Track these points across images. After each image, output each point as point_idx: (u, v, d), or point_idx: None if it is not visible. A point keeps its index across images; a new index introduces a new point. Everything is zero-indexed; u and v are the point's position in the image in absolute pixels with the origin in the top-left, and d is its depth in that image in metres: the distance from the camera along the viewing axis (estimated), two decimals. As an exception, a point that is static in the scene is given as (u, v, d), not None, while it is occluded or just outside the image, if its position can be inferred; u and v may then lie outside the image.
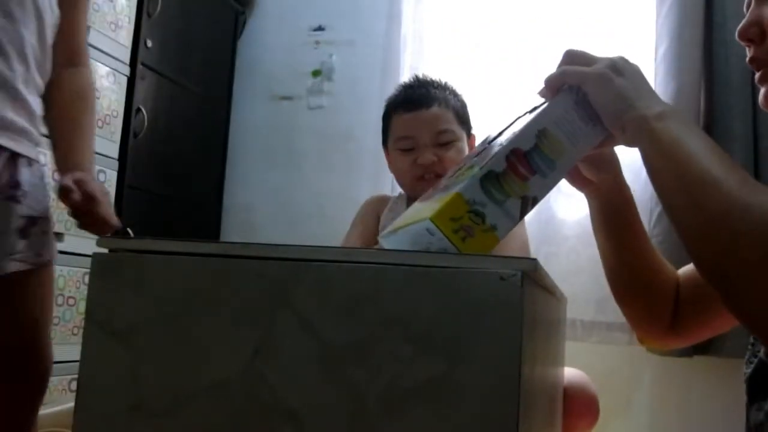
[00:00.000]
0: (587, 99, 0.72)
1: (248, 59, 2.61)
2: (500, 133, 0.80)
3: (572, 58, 0.74)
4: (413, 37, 2.32)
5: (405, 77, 2.25)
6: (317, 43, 2.55)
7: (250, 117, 2.58)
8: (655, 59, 2.01)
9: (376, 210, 1.40)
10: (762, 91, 0.76)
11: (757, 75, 0.76)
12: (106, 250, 0.65)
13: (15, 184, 1.04)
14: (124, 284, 0.62)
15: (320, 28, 2.55)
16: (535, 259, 0.56)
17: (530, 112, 0.77)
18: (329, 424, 0.55)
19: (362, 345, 0.55)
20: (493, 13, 2.27)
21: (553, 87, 0.74)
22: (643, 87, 0.71)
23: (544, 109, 0.71)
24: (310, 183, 2.47)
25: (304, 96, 2.54)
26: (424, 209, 0.69)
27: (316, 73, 2.53)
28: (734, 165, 0.63)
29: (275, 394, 0.57)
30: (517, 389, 0.52)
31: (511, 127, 0.79)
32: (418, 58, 2.31)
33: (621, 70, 0.71)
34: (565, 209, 2.06)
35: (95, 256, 0.63)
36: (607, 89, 0.70)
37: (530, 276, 0.56)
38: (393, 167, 1.36)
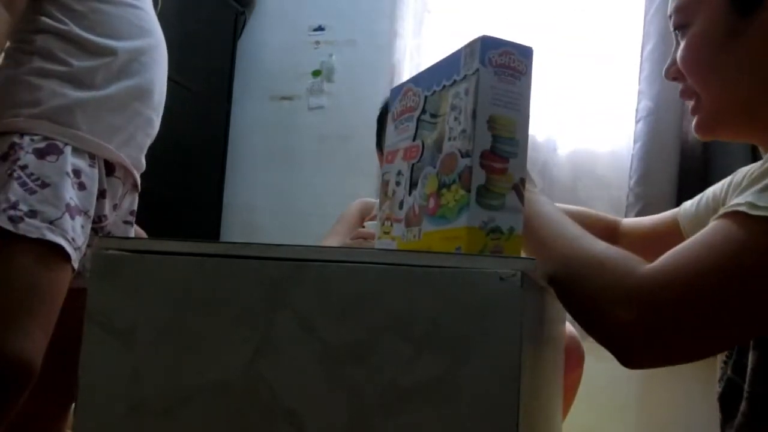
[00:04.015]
0: (499, 57, 0.69)
1: (248, 59, 2.61)
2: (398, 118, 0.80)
3: None
4: (413, 37, 2.32)
5: (405, 77, 2.26)
6: (317, 43, 2.55)
7: (250, 117, 2.58)
8: (641, 56, 2.01)
9: (361, 214, 1.40)
10: (694, 120, 0.80)
11: (690, 106, 0.81)
12: (106, 250, 0.65)
13: (132, 212, 1.25)
14: (124, 284, 0.62)
15: (320, 28, 2.55)
16: (534, 259, 0.56)
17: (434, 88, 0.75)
18: (329, 424, 0.55)
19: (362, 345, 0.55)
20: (494, 13, 2.26)
21: None
22: None
23: (476, 97, 0.68)
24: (310, 183, 2.47)
25: (304, 96, 2.54)
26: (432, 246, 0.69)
27: (316, 73, 2.53)
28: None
29: (275, 394, 0.57)
30: (517, 389, 0.52)
31: (422, 118, 0.77)
32: (419, 59, 2.31)
33: None
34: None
35: (95, 257, 0.63)
36: None
37: (530, 276, 0.56)
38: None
